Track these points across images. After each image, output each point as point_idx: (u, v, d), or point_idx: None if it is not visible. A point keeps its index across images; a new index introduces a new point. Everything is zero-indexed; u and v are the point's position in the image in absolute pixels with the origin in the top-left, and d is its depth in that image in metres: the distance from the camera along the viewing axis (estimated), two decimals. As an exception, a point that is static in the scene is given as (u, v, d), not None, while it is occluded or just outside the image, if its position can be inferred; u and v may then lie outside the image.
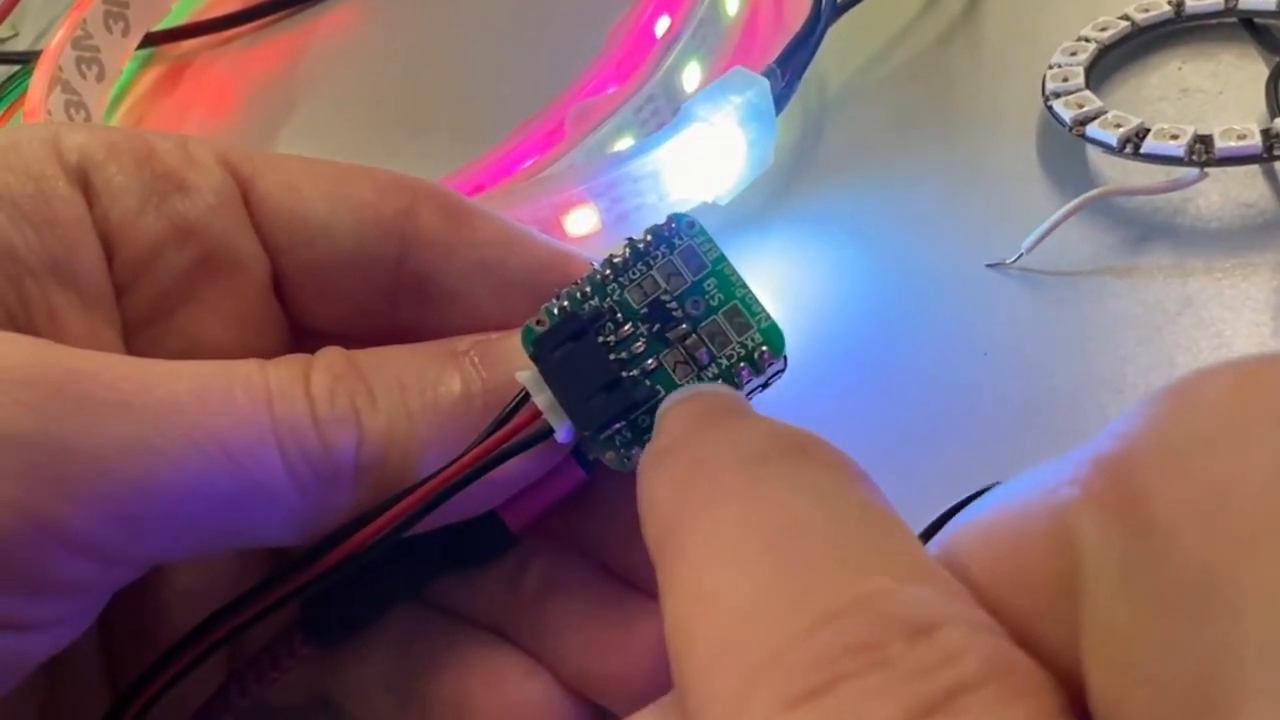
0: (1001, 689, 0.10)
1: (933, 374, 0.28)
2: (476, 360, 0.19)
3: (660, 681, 0.20)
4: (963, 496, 0.24)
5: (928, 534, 0.15)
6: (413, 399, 0.18)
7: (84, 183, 0.19)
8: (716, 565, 0.12)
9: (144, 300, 0.20)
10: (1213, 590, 0.09)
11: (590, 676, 0.20)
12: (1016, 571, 0.12)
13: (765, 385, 0.19)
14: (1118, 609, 0.10)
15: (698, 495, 0.14)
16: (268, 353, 0.19)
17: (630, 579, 0.21)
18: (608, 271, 0.19)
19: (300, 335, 0.21)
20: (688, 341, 0.18)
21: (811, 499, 0.13)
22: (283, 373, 0.18)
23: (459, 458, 0.18)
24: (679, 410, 0.17)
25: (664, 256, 0.19)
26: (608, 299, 0.19)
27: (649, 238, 0.19)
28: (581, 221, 0.29)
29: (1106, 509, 0.11)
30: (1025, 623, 0.12)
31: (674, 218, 0.19)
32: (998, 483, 0.24)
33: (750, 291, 0.19)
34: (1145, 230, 0.29)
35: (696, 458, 0.15)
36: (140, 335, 0.20)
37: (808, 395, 0.27)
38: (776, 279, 0.31)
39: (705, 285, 0.19)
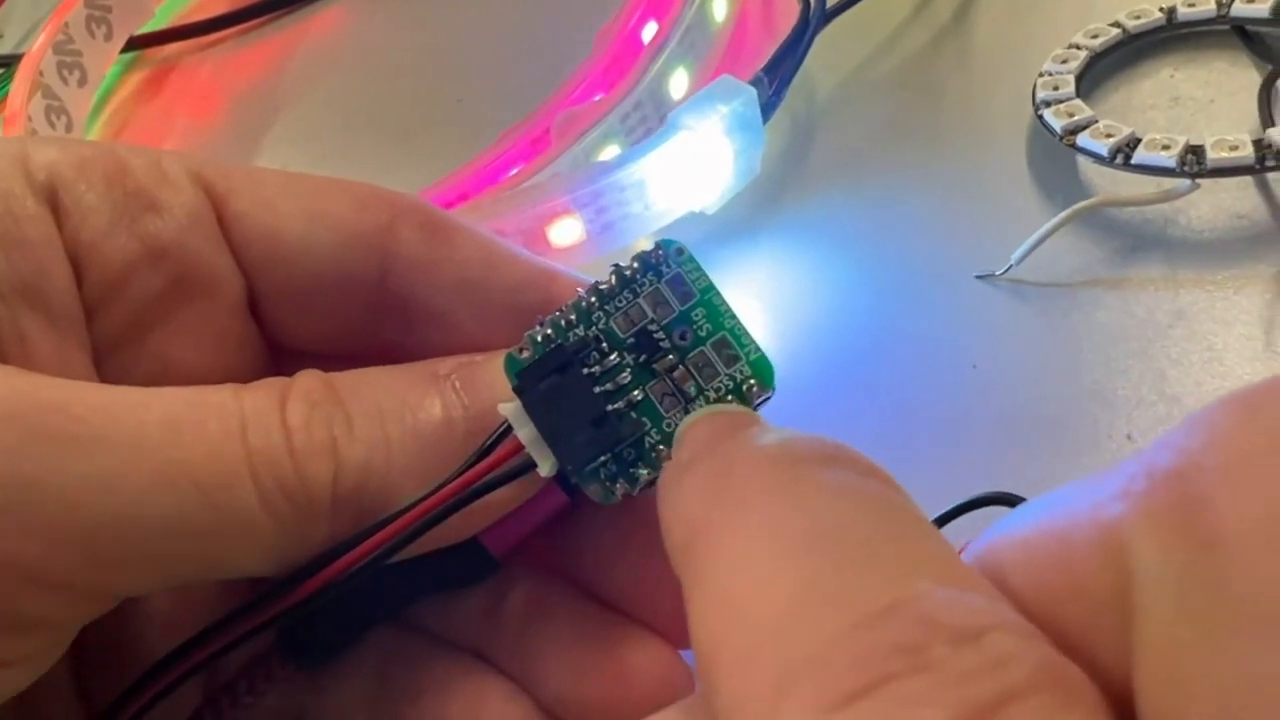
0: (1053, 698, 0.10)
1: (921, 386, 0.28)
2: (458, 385, 0.19)
3: (643, 705, 0.20)
4: (950, 508, 0.24)
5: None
6: (392, 426, 0.18)
7: (53, 201, 0.19)
8: (748, 567, 0.12)
9: (115, 323, 0.19)
10: None
11: (572, 701, 0.20)
12: (1061, 584, 0.12)
13: None
14: (1177, 626, 0.10)
15: (726, 500, 0.13)
16: (245, 374, 0.19)
17: (613, 602, 0.20)
18: (593, 299, 0.18)
19: (279, 355, 0.21)
20: (675, 373, 0.18)
21: (845, 503, 0.13)
22: (258, 401, 0.17)
23: (439, 487, 0.18)
24: (699, 426, 0.16)
25: (651, 284, 0.18)
26: (593, 327, 0.18)
27: (636, 264, 0.18)
28: (566, 232, 0.29)
29: (1163, 523, 0.10)
30: (1069, 636, 0.11)
31: (662, 244, 0.18)
32: (982, 496, 0.24)
33: (739, 322, 0.18)
34: (1136, 242, 0.29)
35: (723, 465, 0.14)
36: (111, 359, 0.19)
37: (794, 407, 0.27)
38: (763, 290, 0.31)
39: (693, 315, 0.18)
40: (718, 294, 0.18)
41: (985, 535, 0.13)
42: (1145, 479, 0.11)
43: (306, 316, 0.20)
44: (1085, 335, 0.27)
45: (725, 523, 0.13)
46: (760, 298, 0.31)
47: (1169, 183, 0.28)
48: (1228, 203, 0.29)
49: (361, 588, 0.20)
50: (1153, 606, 0.10)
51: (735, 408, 0.18)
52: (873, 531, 0.12)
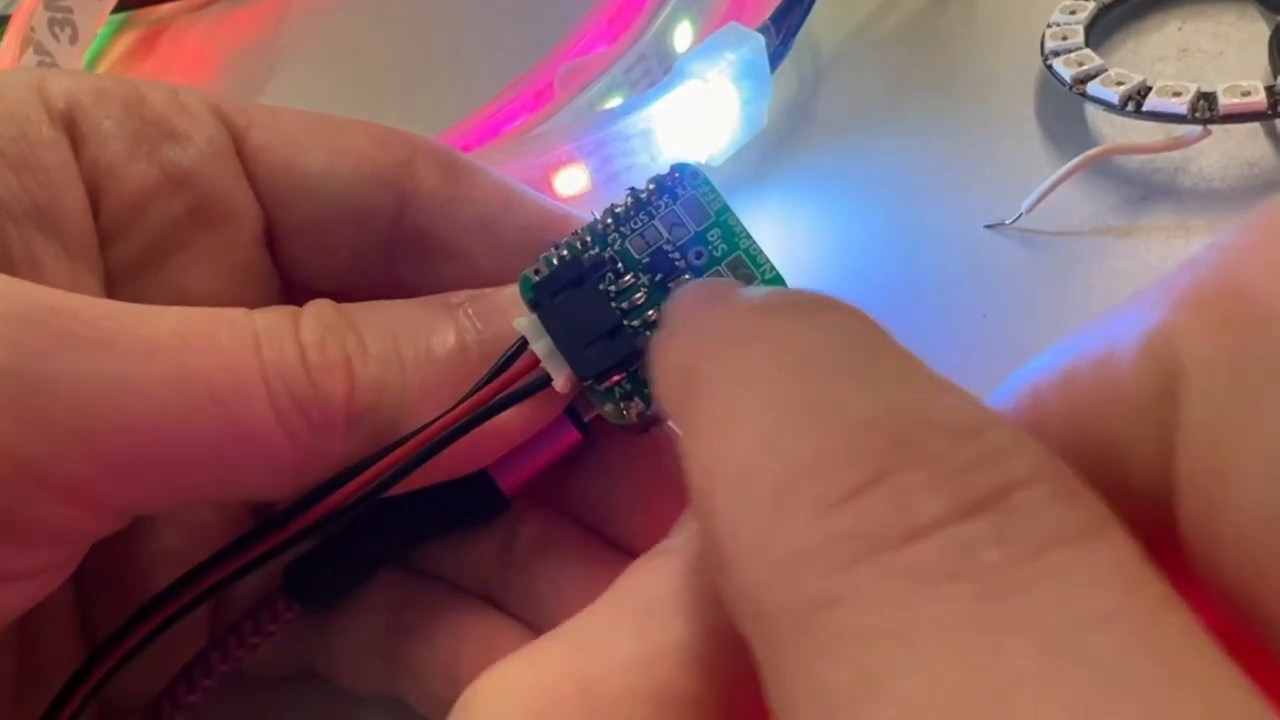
0: (1057, 488, 0.10)
1: (931, 336, 0.27)
2: (472, 312, 0.19)
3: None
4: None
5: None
6: (406, 348, 0.18)
7: (70, 128, 0.19)
8: (739, 395, 0.12)
9: (131, 249, 0.19)
10: None
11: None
12: (1102, 398, 0.12)
13: None
14: (1225, 403, 0.10)
15: (715, 344, 0.13)
16: (258, 307, 0.19)
17: (625, 543, 0.20)
18: (609, 220, 0.18)
19: (293, 291, 0.21)
20: None
21: (832, 333, 0.12)
22: (270, 319, 0.17)
23: (453, 407, 0.18)
24: (687, 296, 0.16)
25: (666, 206, 0.18)
26: (609, 249, 0.18)
27: (652, 186, 0.18)
28: (571, 181, 0.28)
29: (1213, 310, 0.10)
30: (1108, 450, 0.11)
31: (677, 167, 0.18)
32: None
33: (755, 243, 0.18)
34: (1146, 190, 0.29)
35: (711, 319, 0.14)
36: (126, 285, 0.19)
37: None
38: (771, 243, 0.30)
39: (709, 236, 0.18)
40: (733, 216, 0.18)
41: (1011, 380, 0.13)
42: (1190, 278, 0.11)
43: (323, 251, 0.20)
44: (1096, 284, 0.27)
45: (712, 364, 0.13)
46: (766, 251, 0.30)
47: (1179, 130, 0.28)
48: (1238, 151, 0.29)
49: (370, 524, 0.19)
50: (1201, 388, 0.10)
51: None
52: (860, 354, 0.12)
